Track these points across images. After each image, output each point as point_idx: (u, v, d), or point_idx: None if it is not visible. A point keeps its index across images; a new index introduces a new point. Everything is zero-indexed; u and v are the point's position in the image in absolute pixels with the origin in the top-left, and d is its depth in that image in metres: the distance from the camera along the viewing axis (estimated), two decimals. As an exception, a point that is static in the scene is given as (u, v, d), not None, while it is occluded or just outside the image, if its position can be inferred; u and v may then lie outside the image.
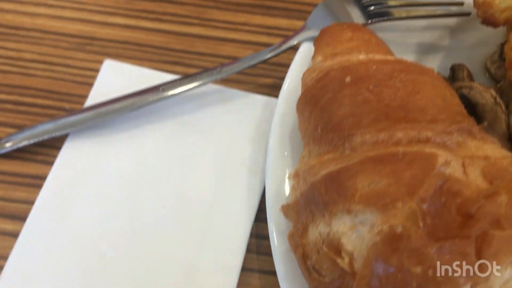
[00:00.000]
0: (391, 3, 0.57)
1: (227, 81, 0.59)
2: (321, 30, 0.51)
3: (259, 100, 0.58)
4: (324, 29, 0.51)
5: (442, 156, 0.36)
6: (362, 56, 0.45)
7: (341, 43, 0.48)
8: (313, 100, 0.44)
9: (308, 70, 0.48)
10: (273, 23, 0.64)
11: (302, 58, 0.54)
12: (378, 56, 0.45)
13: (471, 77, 0.53)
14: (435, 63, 0.57)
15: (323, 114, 0.43)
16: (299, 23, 0.64)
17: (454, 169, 0.36)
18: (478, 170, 0.36)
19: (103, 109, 0.55)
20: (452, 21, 0.58)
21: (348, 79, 0.42)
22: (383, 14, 0.55)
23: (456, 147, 0.38)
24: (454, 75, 0.53)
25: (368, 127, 0.39)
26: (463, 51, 0.57)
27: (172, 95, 0.55)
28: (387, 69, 0.42)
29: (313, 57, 0.50)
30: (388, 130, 0.39)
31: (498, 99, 0.47)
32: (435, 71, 0.55)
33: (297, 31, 0.56)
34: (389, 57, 0.45)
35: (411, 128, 0.39)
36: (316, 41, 0.51)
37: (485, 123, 0.46)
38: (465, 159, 0.37)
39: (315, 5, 0.60)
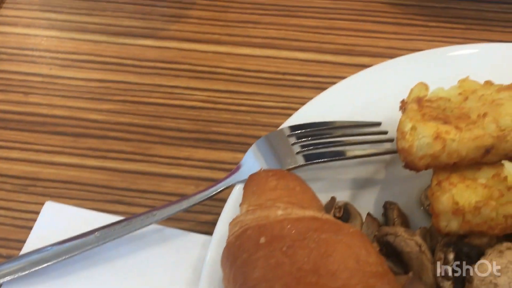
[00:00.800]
0: (330, 140, 0.58)
1: (166, 219, 0.59)
2: (249, 176, 0.51)
3: (197, 239, 0.57)
4: (251, 176, 0.51)
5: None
6: (280, 212, 0.45)
7: (265, 193, 0.48)
8: (231, 258, 0.44)
9: (233, 221, 0.48)
10: (216, 157, 0.65)
11: (235, 201, 0.54)
12: (296, 212, 0.45)
13: (402, 217, 0.52)
14: (371, 198, 0.57)
15: (239, 275, 0.42)
16: (241, 156, 0.65)
17: None
18: None
19: (37, 257, 0.54)
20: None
21: (262, 239, 0.42)
22: (319, 156, 0.56)
23: (367, 316, 0.37)
24: (386, 214, 0.53)
25: (279, 295, 0.39)
26: (399, 184, 0.57)
27: (109, 240, 0.55)
28: (302, 229, 0.42)
29: (241, 205, 0.50)
30: (299, 298, 0.38)
31: (423, 247, 0.46)
32: (370, 209, 0.56)
33: (233, 171, 0.57)
34: (307, 213, 0.45)
35: (321, 297, 0.38)
36: (244, 187, 0.51)
37: (411, 273, 0.45)
38: (376, 331, 0.36)
39: (257, 137, 0.61)
